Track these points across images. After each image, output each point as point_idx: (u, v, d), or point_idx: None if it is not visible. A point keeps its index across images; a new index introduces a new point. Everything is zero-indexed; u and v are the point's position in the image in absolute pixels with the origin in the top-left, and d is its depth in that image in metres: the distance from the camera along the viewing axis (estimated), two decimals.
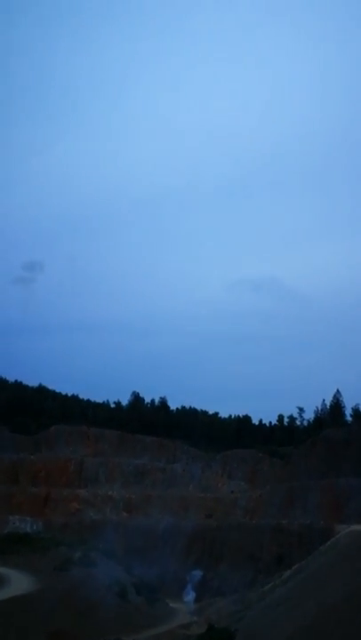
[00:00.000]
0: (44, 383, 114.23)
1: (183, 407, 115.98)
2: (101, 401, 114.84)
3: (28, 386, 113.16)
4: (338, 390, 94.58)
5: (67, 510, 69.67)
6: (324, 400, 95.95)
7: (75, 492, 72.09)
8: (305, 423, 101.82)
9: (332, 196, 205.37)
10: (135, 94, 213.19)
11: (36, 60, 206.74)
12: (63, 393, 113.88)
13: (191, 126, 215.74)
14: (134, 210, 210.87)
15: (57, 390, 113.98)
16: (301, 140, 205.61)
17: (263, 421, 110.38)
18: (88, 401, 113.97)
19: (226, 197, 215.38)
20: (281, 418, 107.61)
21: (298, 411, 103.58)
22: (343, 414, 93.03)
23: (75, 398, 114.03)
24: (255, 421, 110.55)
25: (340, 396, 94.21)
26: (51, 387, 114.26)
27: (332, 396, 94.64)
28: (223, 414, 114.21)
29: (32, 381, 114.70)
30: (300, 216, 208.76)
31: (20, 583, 34.39)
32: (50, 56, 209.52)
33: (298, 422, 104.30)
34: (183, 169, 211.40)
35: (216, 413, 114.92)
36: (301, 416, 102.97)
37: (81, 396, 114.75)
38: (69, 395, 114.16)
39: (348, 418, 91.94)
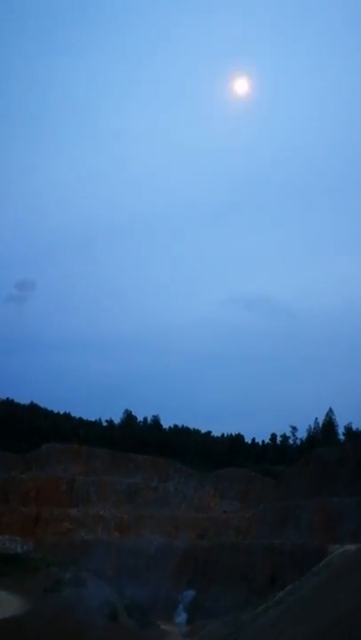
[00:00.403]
0: (36, 401, 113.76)
1: (176, 426, 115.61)
2: (94, 419, 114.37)
3: (19, 404, 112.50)
4: (330, 409, 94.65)
5: (58, 530, 68.87)
6: (316, 418, 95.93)
7: (66, 512, 71.33)
8: (298, 442, 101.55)
9: (325, 216, 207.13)
10: (132, 112, 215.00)
11: (32, 76, 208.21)
12: (55, 411, 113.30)
13: (187, 145, 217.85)
14: (127, 228, 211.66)
15: (49, 408, 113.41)
16: (295, 160, 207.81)
17: (256, 440, 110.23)
18: (80, 419, 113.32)
19: (220, 216, 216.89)
20: (274, 436, 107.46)
21: (291, 429, 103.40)
22: (336, 433, 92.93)
23: (66, 416, 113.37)
24: (248, 440, 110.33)
25: (333, 414, 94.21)
26: (42, 405, 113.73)
27: (324, 414, 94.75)
28: (216, 433, 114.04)
29: (24, 399, 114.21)
30: (294, 234, 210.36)
31: (9, 605, 33.92)
32: (47, 72, 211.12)
33: (291, 441, 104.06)
34: (178, 187, 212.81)
35: (209, 432, 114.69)
36: (294, 435, 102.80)
37: (73, 414, 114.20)
38: (61, 413, 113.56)
39: (341, 436, 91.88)
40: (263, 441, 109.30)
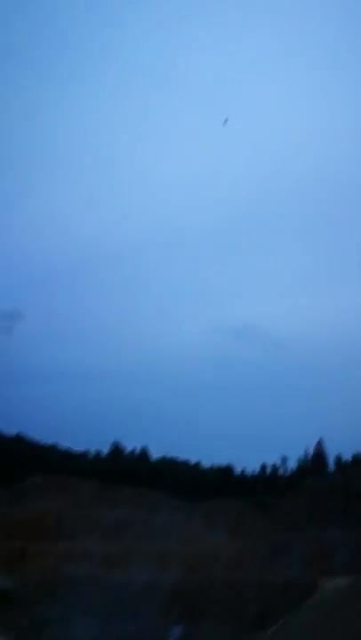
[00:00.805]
0: (23, 432, 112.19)
1: (165, 456, 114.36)
2: (81, 450, 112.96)
3: (5, 435, 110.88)
4: (320, 439, 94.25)
5: (44, 565, 67.30)
6: (306, 449, 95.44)
7: (52, 546, 69.86)
8: (288, 472, 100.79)
9: (313, 246, 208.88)
10: (115, 144, 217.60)
11: (24, 102, 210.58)
12: (42, 442, 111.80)
13: (174, 174, 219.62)
14: (115, 257, 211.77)
15: (35, 439, 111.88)
16: (283, 189, 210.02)
17: (246, 470, 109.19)
18: (67, 450, 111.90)
19: (207, 246, 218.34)
20: (264, 467, 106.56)
21: (281, 460, 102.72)
22: (326, 463, 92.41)
23: (54, 447, 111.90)
24: (238, 471, 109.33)
25: (323, 444, 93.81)
26: (29, 436, 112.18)
27: (314, 444, 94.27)
28: (206, 463, 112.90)
29: (10, 430, 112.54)
30: (282, 264, 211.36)
31: None
32: (28, 104, 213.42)
33: (281, 471, 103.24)
34: (165, 217, 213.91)
35: (198, 462, 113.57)
36: (285, 465, 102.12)
37: (60, 446, 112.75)
38: (48, 444, 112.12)
39: (332, 467, 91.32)
40: (253, 471, 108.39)
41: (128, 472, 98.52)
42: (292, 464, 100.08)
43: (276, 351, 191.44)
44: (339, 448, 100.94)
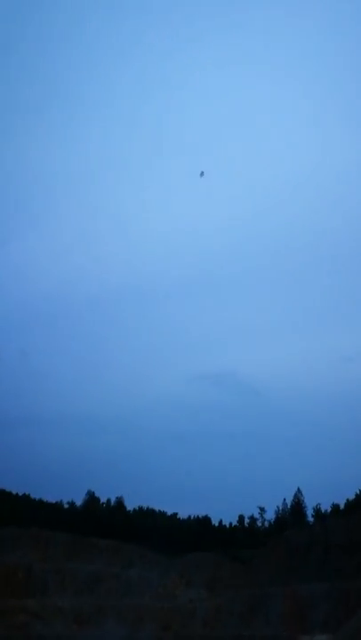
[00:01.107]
0: None
1: (141, 507, 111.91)
2: (54, 501, 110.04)
3: None
4: (298, 489, 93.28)
5: (12, 623, 64.30)
6: (285, 499, 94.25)
7: (22, 603, 66.99)
8: (266, 524, 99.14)
9: (291, 294, 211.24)
10: (95, 191, 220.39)
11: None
12: (13, 492, 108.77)
13: (154, 222, 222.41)
14: (92, 304, 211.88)
15: (7, 489, 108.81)
16: (262, 237, 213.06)
17: (223, 522, 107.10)
18: (40, 501, 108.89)
19: (186, 293, 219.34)
20: (242, 518, 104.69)
21: (259, 510, 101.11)
22: (305, 514, 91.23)
23: (26, 498, 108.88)
24: (215, 522, 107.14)
25: (301, 495, 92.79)
26: (0, 486, 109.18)
27: (293, 494, 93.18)
28: (182, 515, 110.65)
29: None
30: (261, 311, 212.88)
31: None
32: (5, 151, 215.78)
33: (259, 523, 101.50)
34: (142, 264, 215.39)
35: (175, 514, 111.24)
36: (263, 516, 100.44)
37: (33, 496, 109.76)
38: (20, 494, 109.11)
39: (310, 518, 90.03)
40: (231, 523, 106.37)
41: (103, 524, 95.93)
42: (270, 515, 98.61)
43: (255, 399, 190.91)
44: (317, 498, 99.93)
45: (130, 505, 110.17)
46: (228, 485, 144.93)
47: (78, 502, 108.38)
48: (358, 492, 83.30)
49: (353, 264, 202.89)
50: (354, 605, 48.26)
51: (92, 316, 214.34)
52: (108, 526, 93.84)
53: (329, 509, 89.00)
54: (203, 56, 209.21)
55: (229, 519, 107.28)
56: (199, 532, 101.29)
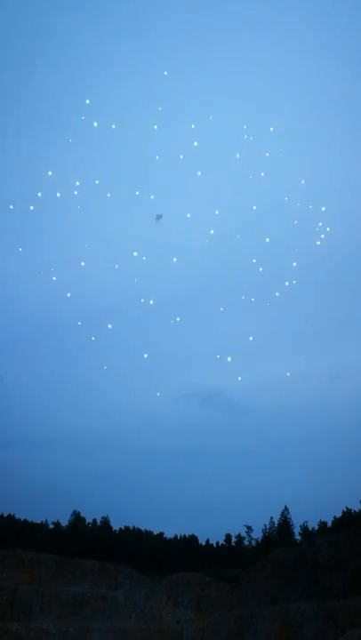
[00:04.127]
0: None
1: (127, 527, 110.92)
2: (39, 521, 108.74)
3: None
4: (286, 507, 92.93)
5: None
6: (272, 518, 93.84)
7: (6, 626, 65.66)
8: (253, 542, 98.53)
9: (277, 313, 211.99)
10: (77, 211, 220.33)
11: None
12: None
13: (141, 240, 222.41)
14: (79, 324, 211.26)
15: None
16: (250, 254, 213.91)
17: (210, 541, 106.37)
18: (25, 521, 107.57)
19: (172, 310, 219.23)
20: (229, 537, 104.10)
21: (246, 529, 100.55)
22: (292, 533, 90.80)
23: (10, 518, 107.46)
24: (202, 541, 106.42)
25: (288, 513, 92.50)
26: None
27: (280, 512, 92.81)
28: (169, 534, 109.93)
29: None
30: (248, 331, 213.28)
31: None
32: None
33: (246, 542, 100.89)
34: (130, 282, 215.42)
35: (161, 533, 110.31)
36: (250, 535, 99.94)
37: (17, 516, 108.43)
38: (4, 515, 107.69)
39: (298, 536, 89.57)
40: (218, 542, 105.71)
41: (89, 543, 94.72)
42: (257, 533, 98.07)
43: (242, 417, 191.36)
44: (305, 516, 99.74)
45: (116, 525, 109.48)
46: (214, 504, 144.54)
47: (64, 522, 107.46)
48: (345, 509, 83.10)
49: (340, 284, 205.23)
50: (343, 624, 47.88)
51: (77, 337, 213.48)
52: (93, 546, 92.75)
53: (316, 527, 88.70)
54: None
55: (216, 538, 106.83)
56: (186, 551, 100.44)
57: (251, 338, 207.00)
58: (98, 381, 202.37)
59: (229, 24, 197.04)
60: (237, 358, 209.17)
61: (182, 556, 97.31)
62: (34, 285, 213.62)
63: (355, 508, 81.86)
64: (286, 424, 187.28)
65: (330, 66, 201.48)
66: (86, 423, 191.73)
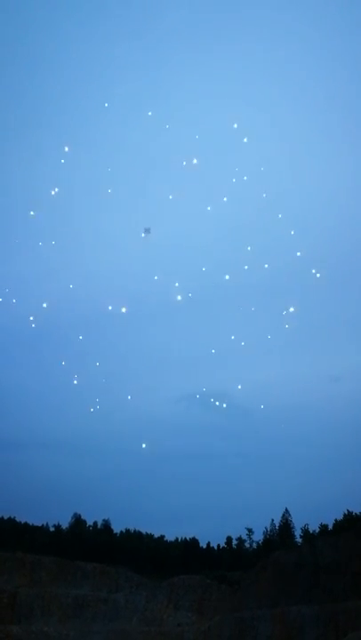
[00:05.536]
0: None
1: (128, 530, 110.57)
2: (40, 524, 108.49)
3: None
4: (286, 509, 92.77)
5: None
6: (273, 520, 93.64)
7: (6, 629, 65.71)
8: (254, 545, 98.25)
9: (278, 314, 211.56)
10: (77, 214, 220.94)
11: None
12: None
13: (139, 242, 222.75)
14: (79, 325, 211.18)
15: None
16: (254, 257, 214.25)
17: (211, 544, 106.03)
18: (25, 524, 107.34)
19: (174, 313, 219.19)
20: (229, 540, 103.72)
21: (247, 532, 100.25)
22: (293, 535, 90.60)
23: (11, 521, 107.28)
24: (203, 544, 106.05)
25: (289, 515, 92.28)
26: None
27: (280, 515, 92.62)
28: (170, 537, 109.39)
29: None
30: (249, 332, 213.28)
31: None
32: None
33: (247, 544, 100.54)
34: (132, 283, 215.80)
35: (162, 536, 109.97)
36: (250, 538, 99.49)
37: (18, 519, 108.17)
38: (5, 518, 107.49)
39: (298, 539, 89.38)
40: (219, 545, 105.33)
41: (90, 546, 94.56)
42: (258, 536, 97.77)
43: (244, 419, 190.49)
44: (306, 519, 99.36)
45: (117, 528, 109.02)
46: (215, 507, 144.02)
47: (64, 525, 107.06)
48: (347, 512, 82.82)
49: (340, 285, 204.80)
50: (344, 627, 47.82)
51: (78, 338, 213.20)
52: (94, 549, 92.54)
53: (317, 530, 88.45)
54: None
55: (217, 541, 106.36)
56: (187, 554, 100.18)
57: (251, 339, 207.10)
58: (98, 384, 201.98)
59: (229, 24, 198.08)
60: (238, 359, 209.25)
61: (183, 558, 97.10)
62: (36, 283, 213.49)
63: (356, 510, 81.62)
64: (287, 426, 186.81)
65: (330, 66, 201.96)
66: (86, 426, 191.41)
